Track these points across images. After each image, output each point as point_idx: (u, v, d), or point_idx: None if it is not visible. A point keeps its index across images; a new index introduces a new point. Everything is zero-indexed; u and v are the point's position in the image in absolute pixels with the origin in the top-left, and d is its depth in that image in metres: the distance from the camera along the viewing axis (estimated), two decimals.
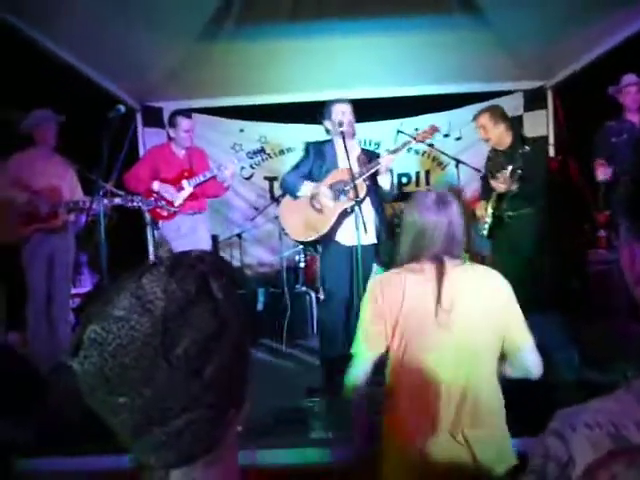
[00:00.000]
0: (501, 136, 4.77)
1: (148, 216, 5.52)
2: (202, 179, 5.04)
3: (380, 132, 6.75)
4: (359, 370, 2.22)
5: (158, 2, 4.73)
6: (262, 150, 5.26)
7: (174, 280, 0.80)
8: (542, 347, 3.50)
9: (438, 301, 2.10)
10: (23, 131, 4.77)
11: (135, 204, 4.57)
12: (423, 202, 2.27)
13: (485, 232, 4.84)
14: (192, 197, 5.07)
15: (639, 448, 0.73)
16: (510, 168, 4.42)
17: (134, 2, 4.58)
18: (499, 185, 4.59)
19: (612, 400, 0.81)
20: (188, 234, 5.07)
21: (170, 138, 5.14)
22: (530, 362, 2.21)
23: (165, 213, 4.98)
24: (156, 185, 4.94)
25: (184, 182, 5.00)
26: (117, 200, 4.51)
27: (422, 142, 4.50)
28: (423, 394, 2.11)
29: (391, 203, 6.41)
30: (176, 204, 4.97)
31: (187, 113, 5.16)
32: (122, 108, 4.04)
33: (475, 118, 4.91)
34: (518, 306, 2.22)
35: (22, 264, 4.70)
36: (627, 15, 4.80)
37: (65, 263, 4.89)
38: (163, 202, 4.85)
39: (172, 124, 5.07)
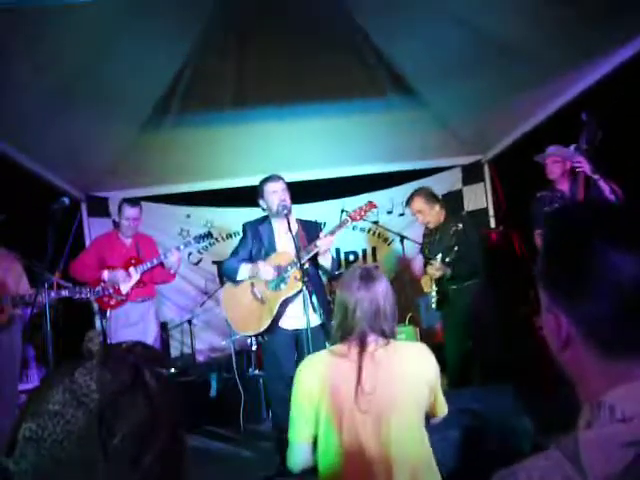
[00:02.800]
0: (437, 216, 4.92)
1: (96, 305, 5.43)
2: (149, 266, 5.01)
3: (325, 212, 6.85)
4: (296, 458, 2.18)
5: (102, 93, 4.78)
6: (209, 235, 5.25)
7: (107, 372, 0.81)
8: (496, 417, 3.51)
9: (358, 384, 2.08)
10: None
11: (83, 295, 4.51)
12: (348, 279, 2.26)
13: (434, 305, 4.91)
14: (140, 284, 5.03)
15: None
16: (439, 257, 4.55)
17: (77, 94, 4.62)
18: (434, 272, 4.73)
19: (543, 458, 0.83)
20: (136, 322, 5.02)
21: (117, 226, 5.14)
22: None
23: (113, 302, 4.93)
24: (106, 274, 4.91)
25: (131, 269, 4.97)
26: (64, 292, 4.44)
27: (360, 220, 4.45)
28: (352, 477, 2.08)
29: (337, 281, 6.45)
30: (124, 292, 4.92)
31: (134, 201, 5.17)
32: (66, 200, 4.03)
33: (409, 203, 5.04)
34: (439, 379, 2.26)
35: None
36: (555, 88, 5.06)
37: (12, 359, 4.73)
38: (111, 290, 4.80)
39: (119, 212, 5.10)
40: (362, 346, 2.15)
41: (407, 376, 2.14)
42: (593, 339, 0.88)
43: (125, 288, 4.94)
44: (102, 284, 4.83)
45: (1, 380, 4.62)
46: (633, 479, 0.74)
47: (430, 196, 4.98)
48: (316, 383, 2.13)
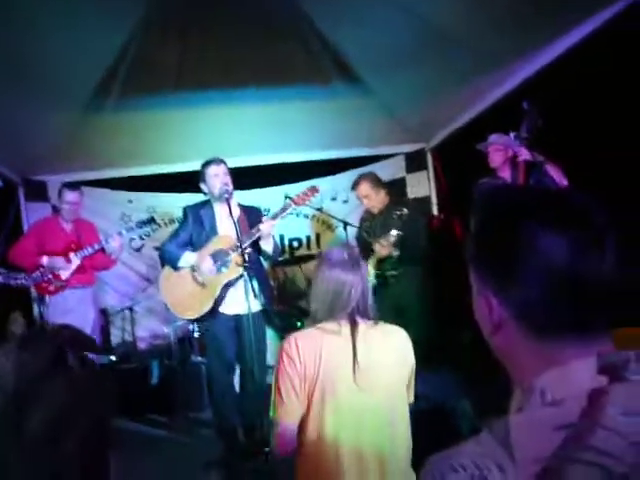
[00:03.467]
0: (382, 201, 4.97)
1: (34, 291, 5.33)
2: (90, 251, 4.96)
3: (268, 199, 6.81)
4: (286, 439, 2.14)
5: (40, 74, 4.64)
6: (152, 220, 5.18)
7: (27, 354, 0.79)
8: (436, 399, 3.58)
9: (354, 361, 2.09)
10: None
11: (19, 281, 4.42)
12: (338, 260, 2.26)
13: None
14: (80, 270, 4.98)
15: None
16: (395, 233, 4.52)
17: (14, 74, 4.48)
18: (382, 249, 4.71)
19: (474, 443, 0.84)
20: (75, 308, 4.96)
21: (56, 210, 5.06)
22: None
23: (52, 287, 4.87)
24: (45, 259, 4.84)
25: (71, 255, 4.92)
26: None
27: (302, 204, 4.42)
28: (340, 460, 2.07)
29: (282, 268, 6.45)
30: (63, 277, 4.86)
31: (74, 186, 5.13)
32: (0, 182, 3.94)
33: (355, 187, 5.09)
34: None
35: None
36: (498, 76, 5.13)
37: None
38: (50, 276, 4.75)
39: (59, 196, 5.05)
40: (354, 324, 2.17)
41: (395, 356, 2.20)
42: (524, 322, 0.89)
43: (65, 274, 4.88)
44: (41, 269, 4.77)
45: None
46: (561, 461, 0.75)
47: (376, 181, 5.04)
48: (311, 360, 2.12)
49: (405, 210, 4.58)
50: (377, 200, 4.99)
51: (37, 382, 0.77)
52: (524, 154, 4.18)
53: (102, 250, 5.08)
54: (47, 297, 4.91)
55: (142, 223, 5.10)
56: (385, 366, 2.15)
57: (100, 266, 5.27)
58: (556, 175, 4.21)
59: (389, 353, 2.19)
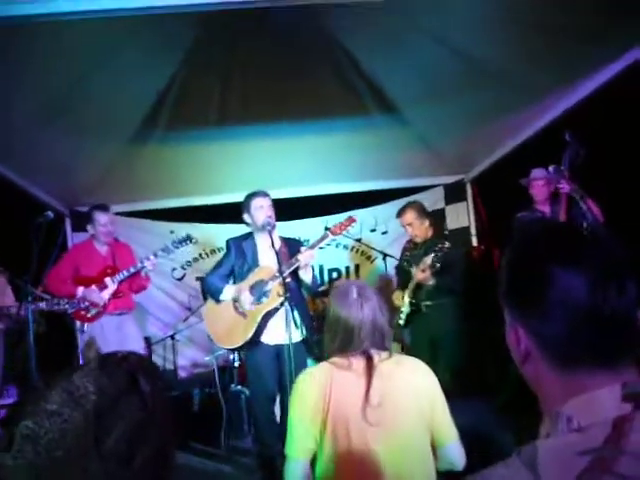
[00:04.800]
0: (426, 231, 4.99)
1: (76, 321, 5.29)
2: (126, 275, 4.88)
3: (308, 230, 6.89)
4: (296, 474, 2.13)
5: (88, 110, 4.81)
6: (188, 238, 5.16)
7: (104, 376, 0.85)
8: (476, 431, 3.55)
9: (366, 398, 2.07)
10: None
11: (61, 307, 4.44)
12: (345, 298, 2.26)
13: (402, 321, 4.93)
14: (117, 295, 4.90)
15: None
16: (431, 256, 4.56)
17: (63, 111, 4.66)
18: (419, 273, 4.72)
19: (503, 466, 0.88)
20: (115, 335, 4.87)
21: (91, 236, 5.04)
22: (454, 456, 2.21)
23: (89, 315, 4.79)
24: (80, 291, 4.78)
25: (107, 280, 4.84)
26: (42, 304, 4.36)
27: (340, 233, 4.43)
28: None
29: (322, 298, 6.50)
30: (100, 303, 4.79)
31: (104, 207, 5.06)
32: (51, 214, 4.04)
33: (400, 215, 5.10)
34: (444, 399, 2.23)
35: None
36: (536, 109, 5.17)
37: None
38: (87, 303, 4.68)
39: (91, 220, 4.99)
40: (369, 360, 2.16)
41: (411, 388, 2.16)
42: (549, 354, 0.94)
43: (102, 300, 4.82)
44: (77, 297, 4.73)
45: None
46: None
47: (422, 210, 5.07)
48: (320, 396, 2.12)
49: (447, 244, 4.60)
50: (420, 230, 4.99)
51: (115, 402, 0.83)
52: (566, 188, 4.17)
53: (138, 272, 4.96)
54: (86, 325, 4.85)
55: (178, 242, 5.04)
56: (398, 402, 2.11)
57: (138, 288, 5.16)
58: (595, 210, 4.19)
59: (403, 387, 2.15)
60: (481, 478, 0.88)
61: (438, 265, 4.54)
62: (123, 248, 5.25)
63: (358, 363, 2.17)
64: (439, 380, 2.28)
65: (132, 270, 4.91)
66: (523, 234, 1.07)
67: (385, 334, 2.26)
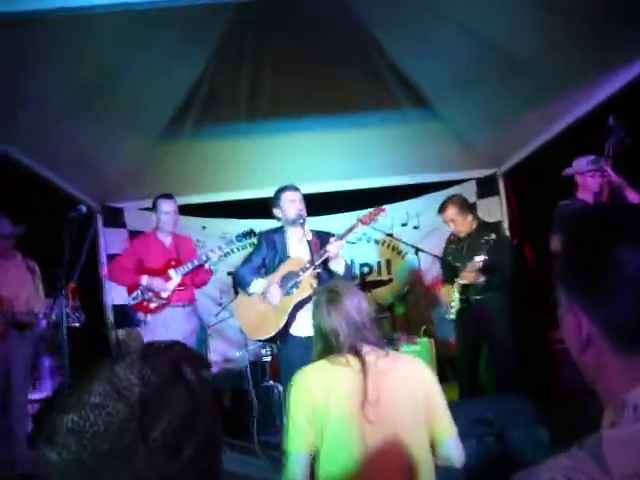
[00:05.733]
0: (469, 225, 4.91)
1: (139, 313, 4.93)
2: (190, 267, 4.79)
3: (340, 224, 6.84)
4: (296, 471, 2.11)
5: (119, 105, 4.84)
6: (252, 232, 5.06)
7: (147, 366, 0.83)
8: (512, 427, 3.49)
9: (364, 395, 2.07)
10: None
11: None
12: (316, 307, 2.31)
13: (452, 315, 4.87)
14: (181, 287, 4.81)
15: None
16: (480, 259, 4.46)
17: (93, 105, 4.68)
18: (467, 276, 4.66)
19: (565, 457, 0.84)
20: (175, 327, 4.74)
21: (154, 227, 4.96)
22: (452, 453, 2.19)
23: (152, 306, 4.73)
24: (145, 280, 4.71)
25: (171, 272, 4.76)
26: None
27: (370, 223, 4.40)
28: None
29: None
30: (164, 295, 4.73)
31: (169, 195, 4.98)
32: (84, 208, 4.04)
33: (441, 211, 4.99)
34: (442, 395, 2.22)
35: None
36: (567, 102, 5.08)
37: (22, 369, 4.66)
38: (150, 294, 4.68)
39: (156, 210, 4.91)
40: (361, 357, 2.15)
41: (407, 385, 2.15)
42: (615, 337, 0.89)
43: (166, 292, 4.75)
44: (140, 288, 4.72)
45: (12, 389, 4.61)
46: None
47: (463, 205, 4.97)
48: (321, 392, 2.12)
49: (493, 235, 4.52)
50: (464, 225, 4.90)
51: (160, 392, 0.81)
52: (613, 177, 4.08)
53: (201, 265, 4.86)
54: (148, 316, 4.77)
55: (242, 236, 4.95)
56: (395, 398, 2.10)
57: (201, 282, 5.05)
58: (636, 199, 4.10)
59: (399, 383, 2.15)
60: (540, 470, 0.85)
61: (486, 258, 4.45)
62: (185, 241, 5.19)
63: (354, 361, 2.16)
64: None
65: (196, 263, 4.83)
66: (579, 217, 1.02)
67: (367, 328, 2.24)
